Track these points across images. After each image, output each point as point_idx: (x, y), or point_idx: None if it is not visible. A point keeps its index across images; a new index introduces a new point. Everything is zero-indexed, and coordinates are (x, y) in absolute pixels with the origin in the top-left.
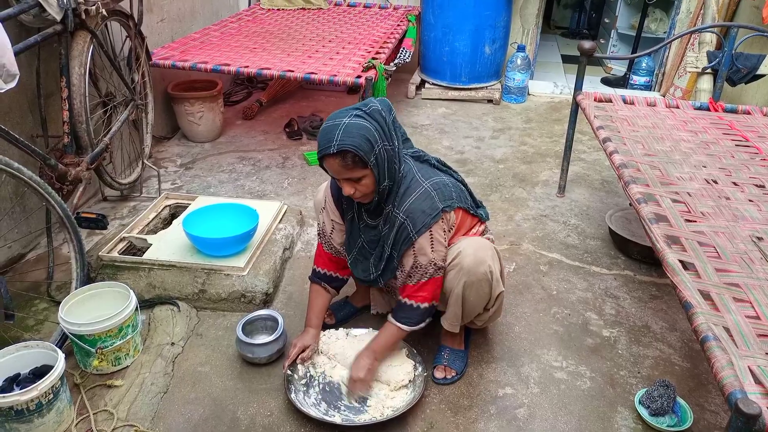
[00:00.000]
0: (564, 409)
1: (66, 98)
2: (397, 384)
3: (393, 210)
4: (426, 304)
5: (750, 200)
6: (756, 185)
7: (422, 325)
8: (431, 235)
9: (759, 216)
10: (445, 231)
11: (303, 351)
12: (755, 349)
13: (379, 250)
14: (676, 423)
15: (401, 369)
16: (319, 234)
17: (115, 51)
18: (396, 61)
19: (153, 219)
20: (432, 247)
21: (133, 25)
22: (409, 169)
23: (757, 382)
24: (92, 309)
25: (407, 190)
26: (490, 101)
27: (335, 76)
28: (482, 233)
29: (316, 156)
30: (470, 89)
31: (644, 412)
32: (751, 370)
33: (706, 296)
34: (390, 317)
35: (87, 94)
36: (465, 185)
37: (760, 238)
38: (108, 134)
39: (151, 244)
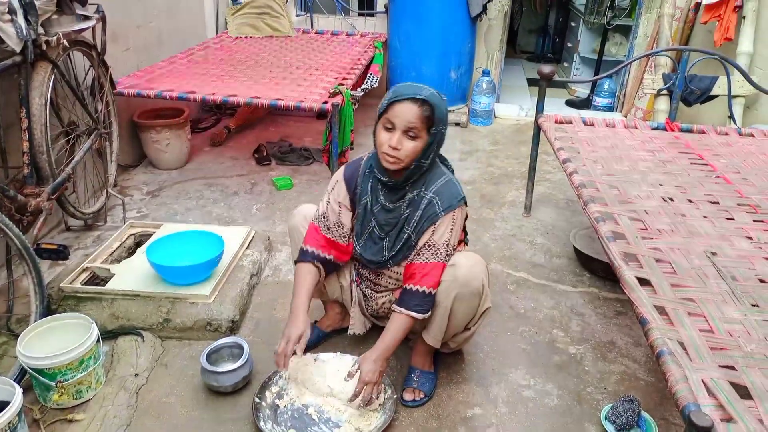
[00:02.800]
0: (532, 427)
1: (26, 129)
2: (368, 408)
3: (421, 192)
4: (433, 290)
5: (704, 216)
6: (710, 202)
7: (428, 314)
8: (454, 216)
9: (713, 232)
10: (462, 219)
11: (298, 342)
12: (708, 362)
13: (395, 233)
14: None
15: None
16: (316, 218)
17: (78, 80)
18: (363, 86)
19: (117, 248)
20: (451, 229)
21: (96, 55)
22: (437, 162)
23: (711, 394)
24: (52, 342)
25: (434, 175)
26: (457, 124)
27: (302, 102)
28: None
29: (285, 181)
30: None
31: (610, 428)
32: (704, 383)
33: (662, 311)
34: (398, 308)
35: (48, 124)
36: None
37: (714, 253)
38: (70, 164)
39: (114, 274)
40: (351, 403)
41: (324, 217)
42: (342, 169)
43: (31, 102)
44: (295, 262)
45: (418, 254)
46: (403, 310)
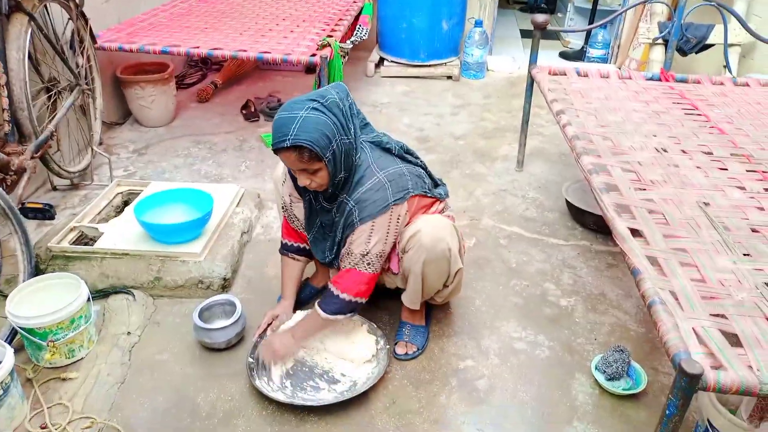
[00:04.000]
0: (523, 378)
1: (4, 84)
2: (360, 360)
3: (345, 198)
4: (345, 295)
5: (697, 167)
6: (704, 152)
7: (339, 317)
8: (372, 226)
9: (706, 182)
10: (390, 225)
11: (272, 321)
12: (700, 312)
13: (333, 235)
14: (630, 386)
15: (364, 345)
16: (283, 207)
17: (56, 34)
18: (353, 38)
19: (105, 207)
20: (369, 239)
21: (75, 7)
22: (365, 158)
23: (701, 342)
24: (42, 301)
25: (361, 179)
26: (449, 78)
27: (289, 54)
28: (441, 211)
29: None
30: (429, 66)
31: (600, 377)
32: (695, 332)
33: (654, 262)
34: (317, 301)
35: (27, 80)
36: (425, 169)
37: (706, 204)
38: (53, 121)
39: (103, 233)
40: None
41: (284, 209)
42: None
43: (8, 56)
44: (279, 251)
45: (341, 259)
46: (316, 303)
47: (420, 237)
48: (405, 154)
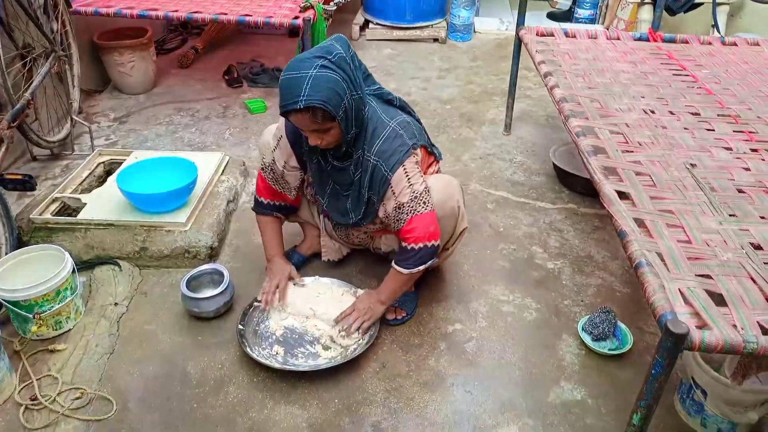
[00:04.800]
0: (511, 340)
1: None
2: (346, 337)
3: (364, 154)
4: (420, 244)
5: (685, 128)
6: (691, 113)
7: (422, 267)
8: (404, 169)
9: (693, 143)
10: (417, 164)
11: (288, 279)
12: (686, 272)
13: (355, 193)
14: (617, 346)
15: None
16: (263, 168)
17: None
18: (336, 0)
19: (87, 177)
20: (409, 181)
21: None
22: (373, 110)
23: (687, 303)
24: (27, 274)
25: (375, 131)
26: (436, 40)
27: (271, 17)
28: (436, 173)
29: (258, 104)
30: (415, 28)
31: (587, 338)
32: (681, 292)
33: (641, 224)
34: (393, 260)
35: (0, 46)
36: (421, 124)
37: (693, 165)
38: (29, 89)
39: (85, 204)
40: (333, 323)
41: (271, 169)
42: (283, 122)
43: None
44: (254, 210)
45: (397, 220)
46: (393, 263)
47: (430, 191)
48: (405, 107)
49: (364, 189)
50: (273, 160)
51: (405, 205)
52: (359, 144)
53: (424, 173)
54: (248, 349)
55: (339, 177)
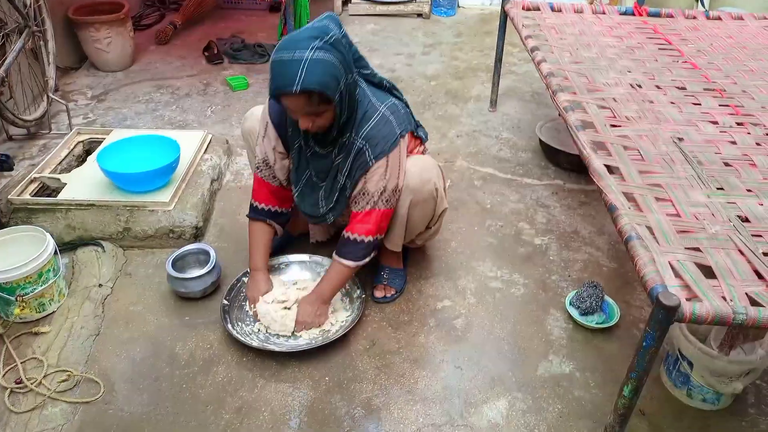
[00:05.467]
0: (499, 315)
1: None
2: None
3: (351, 137)
4: (369, 238)
5: (672, 102)
6: (677, 87)
7: (367, 260)
8: (387, 161)
9: (680, 117)
10: (401, 158)
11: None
12: (675, 245)
13: (330, 182)
14: (604, 320)
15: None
16: (258, 166)
17: None
18: None
19: (66, 157)
20: (386, 175)
21: None
22: (363, 93)
23: (677, 275)
24: (8, 256)
25: (365, 115)
26: (419, 15)
27: None
28: (422, 153)
29: (240, 81)
30: (399, 3)
31: (575, 313)
32: (671, 265)
33: (630, 198)
34: (334, 254)
35: None
36: (408, 107)
37: (680, 139)
38: (2, 66)
39: (65, 184)
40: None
41: (266, 164)
42: (267, 105)
43: None
44: (248, 217)
45: (354, 202)
46: (336, 257)
47: (407, 178)
48: (393, 89)
49: (342, 175)
50: (264, 153)
51: (369, 193)
52: (348, 127)
53: (409, 155)
54: (229, 326)
55: (318, 164)
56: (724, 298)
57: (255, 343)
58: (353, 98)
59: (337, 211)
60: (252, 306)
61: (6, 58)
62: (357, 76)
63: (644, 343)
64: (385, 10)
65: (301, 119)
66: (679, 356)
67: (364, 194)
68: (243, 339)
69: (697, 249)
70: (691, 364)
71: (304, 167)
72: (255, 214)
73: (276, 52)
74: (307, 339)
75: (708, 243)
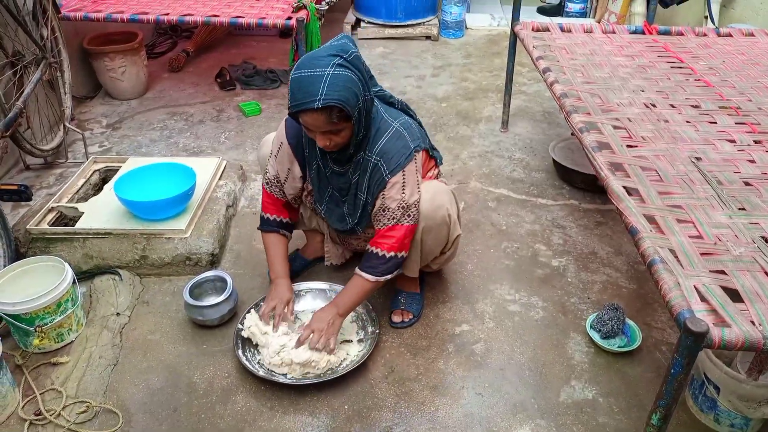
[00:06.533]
0: (519, 339)
1: None
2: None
3: (365, 155)
4: (392, 253)
5: (687, 121)
6: (692, 106)
7: (389, 276)
8: (404, 175)
9: (696, 136)
10: (417, 171)
11: (286, 305)
12: (699, 268)
13: (352, 198)
14: (626, 343)
15: (347, 331)
16: (268, 182)
17: (17, 4)
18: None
19: (82, 185)
20: (403, 189)
21: None
22: (377, 110)
23: (703, 299)
24: (27, 286)
25: (378, 131)
26: (428, 38)
27: (264, 18)
28: (436, 177)
29: (253, 107)
30: (407, 26)
31: (596, 336)
32: (696, 289)
33: (651, 220)
34: (357, 269)
35: None
36: (422, 127)
37: (698, 158)
38: (21, 97)
39: (83, 213)
40: (300, 350)
41: (276, 180)
42: (283, 127)
43: None
44: (260, 229)
45: (376, 220)
46: (359, 271)
47: (419, 205)
48: (406, 109)
49: (362, 192)
50: (276, 172)
51: (390, 210)
52: (362, 145)
53: (423, 177)
54: (239, 351)
55: (338, 182)
56: (752, 322)
57: (261, 373)
58: (369, 116)
59: (363, 224)
60: (277, 316)
61: (24, 90)
62: (373, 97)
63: (672, 371)
64: (394, 33)
65: (318, 137)
66: (705, 380)
67: (384, 211)
68: (250, 367)
69: (722, 272)
70: (717, 389)
71: (325, 185)
72: (267, 225)
73: (296, 70)
74: (319, 371)
75: (733, 265)
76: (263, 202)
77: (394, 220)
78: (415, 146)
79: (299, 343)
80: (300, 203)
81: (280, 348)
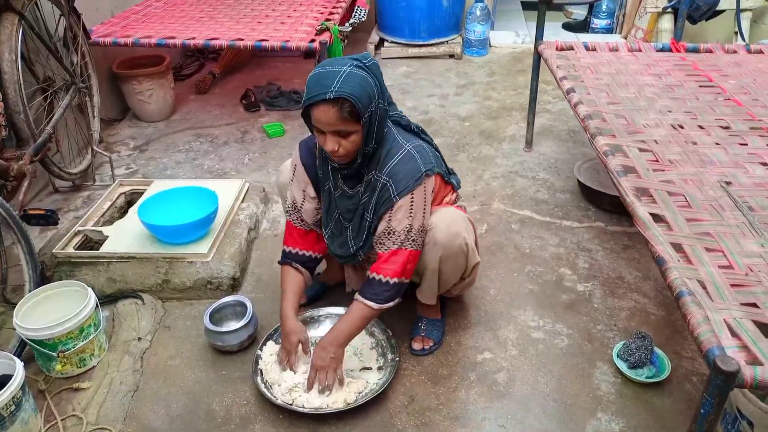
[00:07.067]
0: (543, 368)
1: None
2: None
3: (375, 174)
4: (395, 279)
5: (716, 143)
6: (721, 127)
7: (392, 303)
8: (412, 198)
9: (726, 159)
10: (426, 197)
11: (296, 349)
12: (730, 301)
13: (357, 221)
14: (654, 374)
15: (367, 357)
16: (287, 210)
17: (49, 32)
18: (351, 21)
19: (108, 209)
20: (411, 212)
21: (66, 3)
22: (390, 132)
23: (734, 335)
24: (50, 311)
25: (389, 152)
26: (451, 56)
27: (288, 41)
28: (454, 202)
29: (276, 128)
30: (431, 45)
31: (623, 366)
32: (727, 324)
33: (679, 248)
34: (357, 294)
35: (21, 82)
36: (439, 152)
37: (728, 183)
38: (51, 122)
39: (107, 236)
40: (311, 392)
41: (294, 207)
42: (297, 150)
43: (1, 58)
44: (279, 263)
45: (380, 243)
46: (359, 297)
47: (435, 233)
48: (421, 134)
49: (368, 213)
50: (293, 195)
51: (395, 233)
52: (372, 164)
53: (440, 203)
54: (258, 378)
55: (345, 204)
56: None
57: (279, 402)
58: (381, 128)
59: (366, 248)
60: (283, 366)
61: (54, 115)
62: (387, 110)
63: (702, 410)
64: (417, 52)
65: (328, 139)
66: (738, 415)
67: (389, 234)
68: (269, 394)
69: (754, 305)
70: (751, 424)
71: (333, 208)
72: (284, 258)
73: (315, 69)
74: (334, 399)
75: (765, 297)
76: (285, 235)
77: (397, 244)
78: (426, 170)
79: (309, 387)
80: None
81: (293, 385)
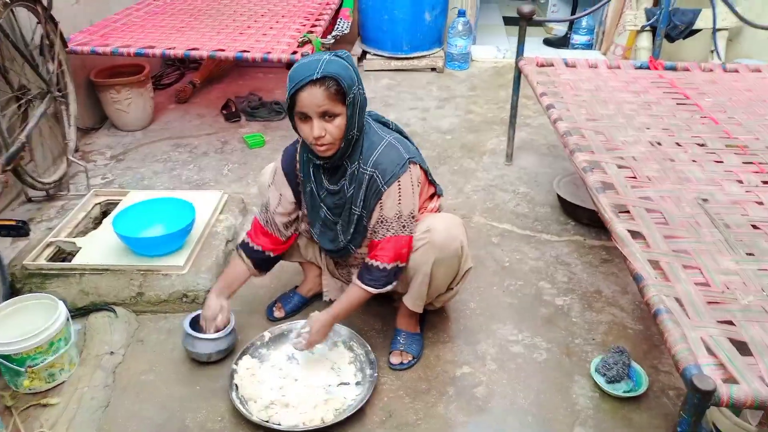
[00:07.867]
0: (522, 383)
1: None
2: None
3: (360, 167)
4: (390, 265)
5: (693, 160)
6: (698, 144)
7: (389, 287)
8: (399, 185)
9: (702, 176)
10: (413, 183)
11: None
12: (707, 319)
13: (346, 214)
14: (632, 388)
15: (345, 373)
16: (260, 209)
17: (24, 40)
18: (334, 33)
19: (82, 219)
20: (399, 200)
21: (42, 10)
22: (369, 126)
23: (711, 353)
24: (19, 324)
25: (371, 145)
26: (433, 69)
27: (269, 53)
28: (438, 209)
29: (257, 139)
30: (413, 58)
31: (601, 381)
32: (704, 341)
33: (656, 265)
34: (354, 278)
35: None
36: (418, 150)
37: (705, 200)
38: (24, 131)
39: (80, 248)
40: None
41: (266, 209)
42: (281, 155)
43: None
44: (235, 248)
45: (374, 232)
46: (357, 281)
47: (432, 234)
48: (400, 132)
49: (356, 206)
50: (268, 198)
51: (387, 220)
52: (355, 156)
53: (423, 209)
54: (233, 394)
55: (331, 201)
56: (762, 378)
57: (255, 418)
58: (362, 116)
59: (357, 241)
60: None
61: (28, 124)
62: (366, 99)
63: (679, 429)
64: (400, 65)
65: (315, 124)
66: (714, 430)
67: (382, 222)
68: (243, 411)
69: (730, 322)
70: None
71: (318, 207)
72: (244, 249)
73: (294, 65)
74: (311, 417)
75: (741, 315)
76: (252, 227)
77: (391, 231)
78: (409, 157)
79: (303, 348)
80: (294, 233)
81: (270, 402)
